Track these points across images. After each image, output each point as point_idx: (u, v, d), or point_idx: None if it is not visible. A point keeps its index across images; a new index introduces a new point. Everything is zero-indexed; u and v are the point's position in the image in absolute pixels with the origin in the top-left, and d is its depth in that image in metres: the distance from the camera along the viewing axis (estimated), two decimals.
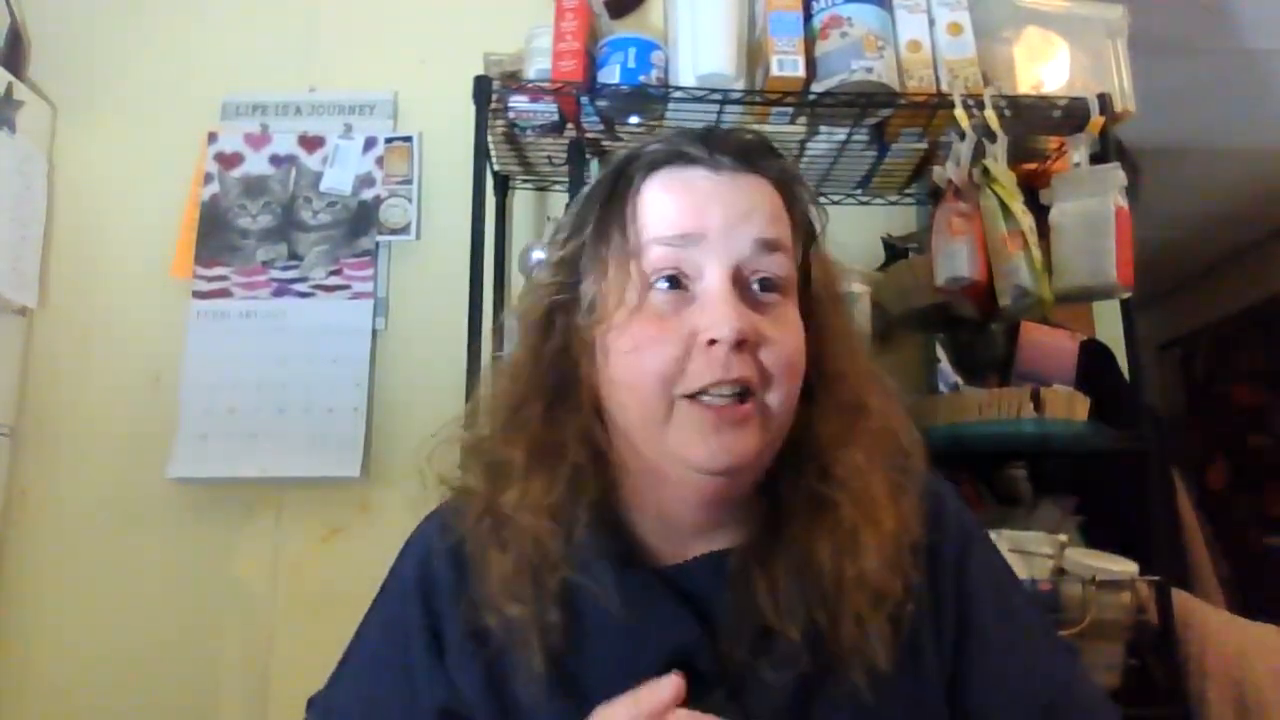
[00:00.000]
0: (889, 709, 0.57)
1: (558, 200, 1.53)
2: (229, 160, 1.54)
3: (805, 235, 0.64)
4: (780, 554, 0.59)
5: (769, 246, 0.59)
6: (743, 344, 0.55)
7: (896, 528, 0.58)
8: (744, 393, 0.56)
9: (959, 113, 1.24)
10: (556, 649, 0.57)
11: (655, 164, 0.62)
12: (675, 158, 0.61)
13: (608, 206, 0.62)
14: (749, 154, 0.62)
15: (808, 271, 0.64)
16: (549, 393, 0.61)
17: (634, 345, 0.58)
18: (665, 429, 0.57)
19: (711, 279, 0.57)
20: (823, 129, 1.37)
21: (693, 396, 0.56)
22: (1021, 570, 1.13)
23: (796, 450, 0.60)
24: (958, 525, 0.66)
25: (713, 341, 0.55)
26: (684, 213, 0.59)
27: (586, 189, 0.66)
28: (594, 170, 1.35)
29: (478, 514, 0.61)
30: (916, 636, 0.60)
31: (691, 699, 0.53)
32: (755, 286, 0.59)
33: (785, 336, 0.58)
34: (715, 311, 0.56)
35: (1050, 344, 1.43)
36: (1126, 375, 1.35)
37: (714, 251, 0.58)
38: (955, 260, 1.23)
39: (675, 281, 0.58)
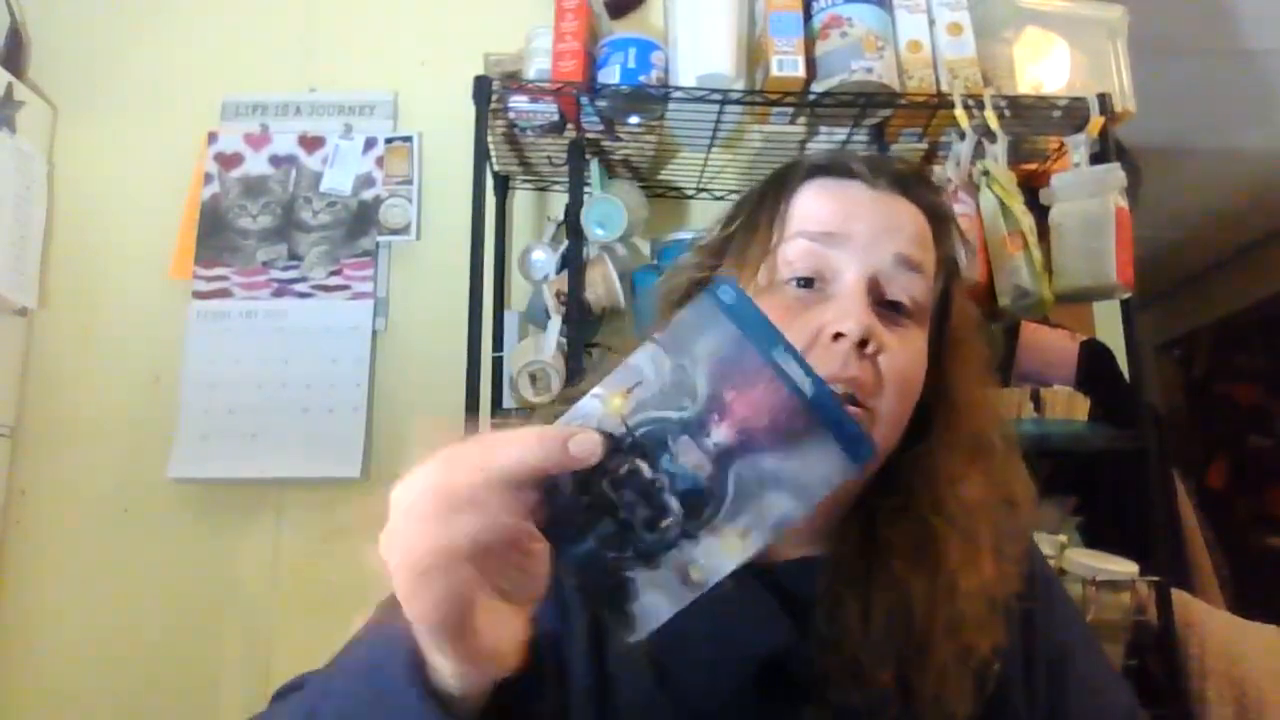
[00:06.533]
0: None
1: (558, 200, 1.52)
2: (229, 160, 1.54)
3: (947, 272, 0.65)
4: (875, 588, 0.57)
5: (909, 264, 0.59)
6: (865, 344, 0.55)
7: (995, 577, 0.57)
8: (853, 400, 0.55)
9: (959, 113, 1.24)
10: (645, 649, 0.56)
11: (815, 171, 0.64)
12: (836, 168, 0.64)
13: (762, 202, 0.64)
14: (907, 181, 0.64)
15: (947, 307, 0.64)
16: None
17: None
18: None
19: (848, 280, 0.58)
20: (823, 129, 1.37)
21: None
22: None
23: (910, 481, 0.60)
24: (1044, 577, 0.66)
25: (838, 336, 0.55)
26: (833, 214, 0.61)
27: (746, 191, 0.68)
28: (594, 170, 1.36)
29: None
30: (1005, 696, 0.58)
31: (782, 706, 0.53)
32: (888, 304, 0.59)
33: (906, 352, 0.58)
34: (845, 307, 0.57)
35: (1050, 344, 1.43)
36: (1126, 375, 1.35)
37: (855, 256, 0.59)
38: None
39: (809, 283, 0.59)
